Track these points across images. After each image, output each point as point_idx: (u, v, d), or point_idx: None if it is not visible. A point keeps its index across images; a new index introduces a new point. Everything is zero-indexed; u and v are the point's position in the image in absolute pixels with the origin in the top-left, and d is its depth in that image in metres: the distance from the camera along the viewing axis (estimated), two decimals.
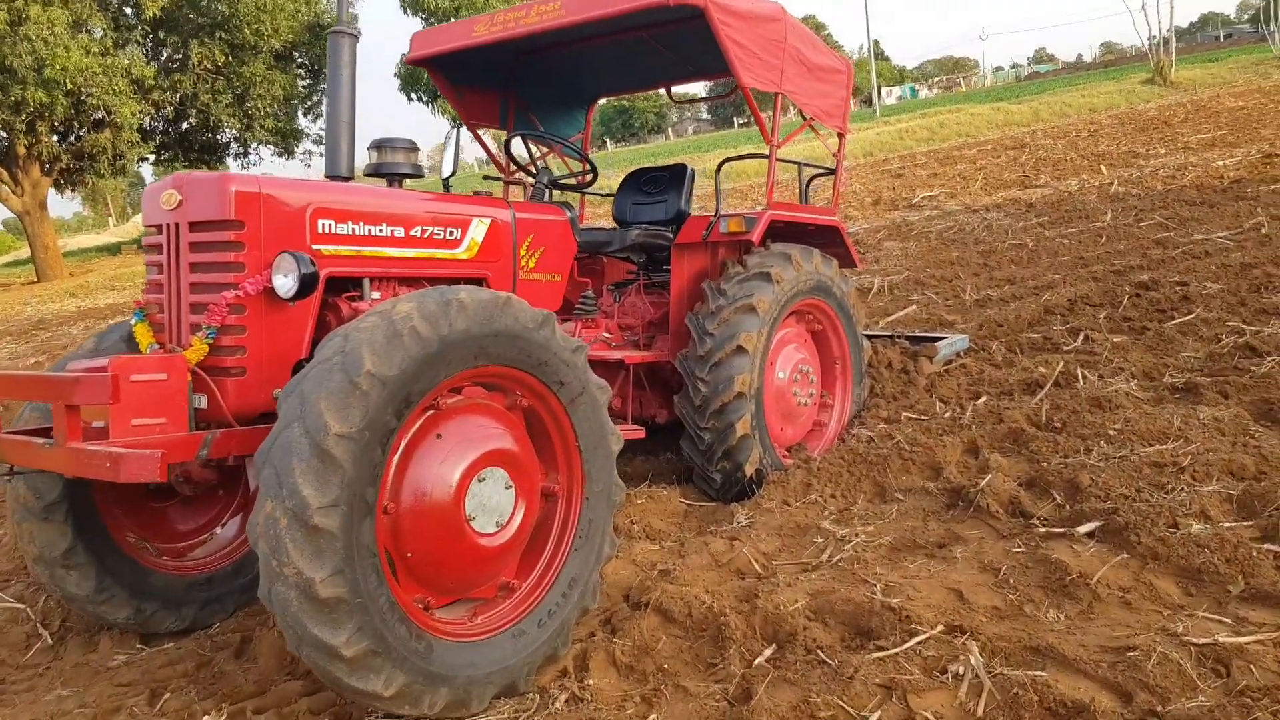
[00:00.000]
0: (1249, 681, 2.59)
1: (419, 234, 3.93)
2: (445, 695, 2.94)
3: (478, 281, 4.20)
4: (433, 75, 5.57)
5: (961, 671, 2.83)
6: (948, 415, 5.29)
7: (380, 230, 3.80)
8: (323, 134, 37.10)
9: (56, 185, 31.42)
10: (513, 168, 5.78)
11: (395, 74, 35.88)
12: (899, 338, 6.51)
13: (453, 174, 4.77)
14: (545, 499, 3.47)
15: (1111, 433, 4.54)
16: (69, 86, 25.07)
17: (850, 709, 2.75)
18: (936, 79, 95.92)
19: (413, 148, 4.30)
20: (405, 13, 35.63)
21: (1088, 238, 10.35)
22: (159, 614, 3.98)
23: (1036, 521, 3.88)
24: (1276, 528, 3.39)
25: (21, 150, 28.39)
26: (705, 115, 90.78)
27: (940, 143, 29.38)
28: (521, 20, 4.84)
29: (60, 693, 3.64)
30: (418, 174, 4.26)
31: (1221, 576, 3.20)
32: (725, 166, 5.84)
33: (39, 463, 3.14)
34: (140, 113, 28.64)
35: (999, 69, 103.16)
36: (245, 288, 3.35)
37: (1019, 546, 3.68)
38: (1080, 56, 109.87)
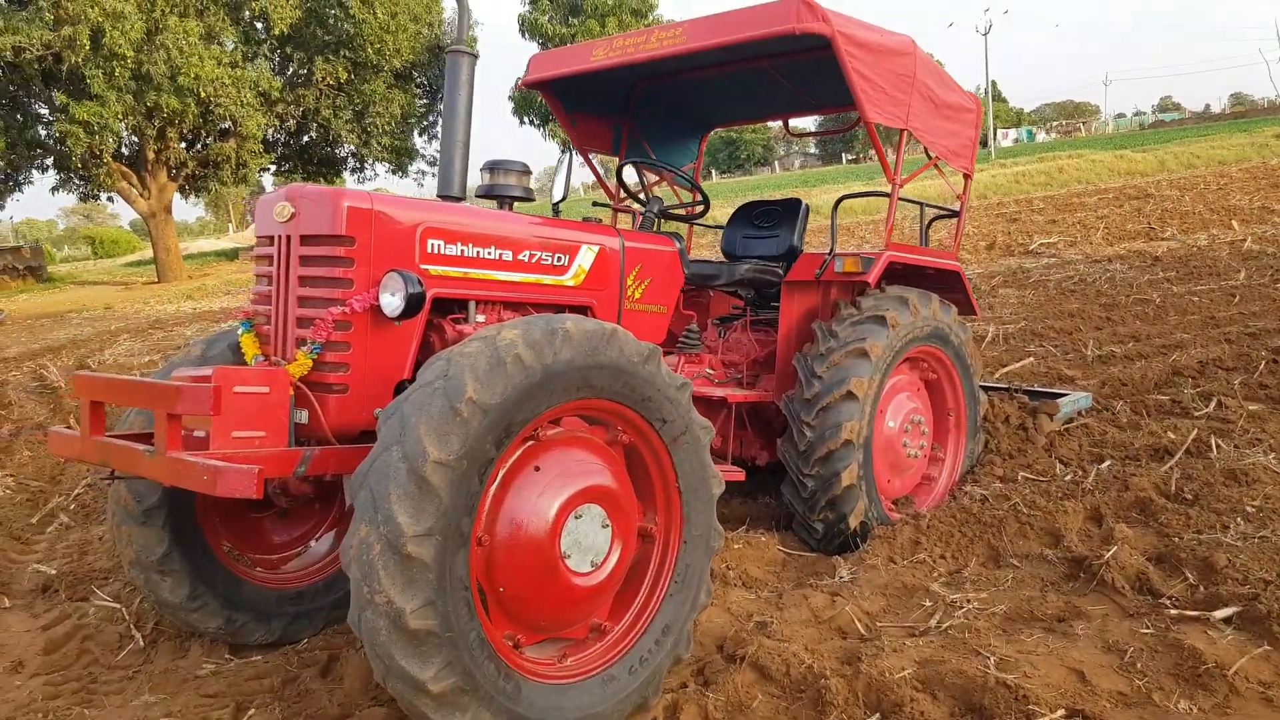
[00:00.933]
0: None
1: (527, 258, 3.88)
2: None
3: (583, 309, 4.13)
4: (547, 99, 5.57)
5: None
6: (1068, 478, 4.99)
7: (488, 253, 3.76)
8: (437, 154, 38.30)
9: (181, 190, 32.87)
10: (622, 195, 5.73)
11: (509, 97, 36.66)
12: (1017, 392, 6.20)
13: (563, 199, 4.73)
14: (642, 540, 3.36)
15: (1250, 509, 4.20)
16: (200, 95, 26.27)
17: None
18: (1055, 123, 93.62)
19: (525, 170, 4.27)
20: (523, 36, 36.47)
21: (1219, 296, 9.83)
22: (249, 625, 3.99)
23: (1166, 601, 3.59)
24: None
25: (151, 155, 29.83)
26: (813, 150, 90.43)
27: (1059, 188, 28.53)
28: (642, 46, 4.78)
29: (148, 699, 3.65)
30: (529, 197, 4.22)
31: None
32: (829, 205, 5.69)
33: (139, 470, 3.14)
34: (264, 124, 29.84)
35: (1121, 115, 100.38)
36: (352, 304, 3.33)
37: (1147, 627, 3.40)
38: (1208, 106, 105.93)
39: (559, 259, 4.00)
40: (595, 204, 5.75)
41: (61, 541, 5.63)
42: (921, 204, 5.45)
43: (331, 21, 30.16)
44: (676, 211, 5.36)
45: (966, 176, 5.65)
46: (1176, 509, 4.36)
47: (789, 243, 5.59)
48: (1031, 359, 7.92)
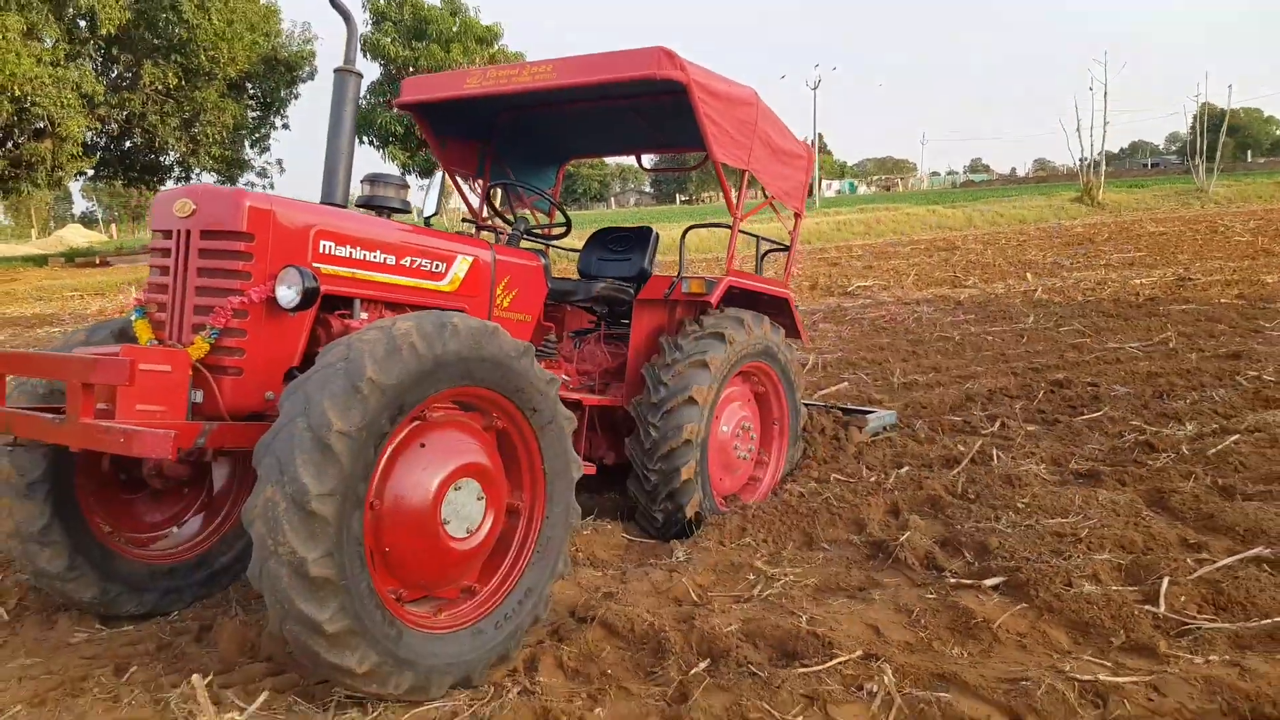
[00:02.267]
0: (1121, 713, 2.99)
1: (408, 264, 4.23)
2: (409, 679, 3.18)
3: (455, 314, 4.51)
4: (418, 120, 5.90)
5: (875, 689, 3.19)
6: (873, 479, 5.72)
7: (374, 256, 4.08)
8: (267, 166, 37.19)
9: None
10: (486, 215, 6.13)
11: None
12: (833, 408, 6.98)
13: (435, 214, 5.11)
14: (510, 515, 3.76)
15: (1019, 505, 5.01)
16: (15, 93, 24.81)
17: (776, 713, 3.08)
18: (876, 177, 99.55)
19: (404, 184, 4.63)
20: (365, 56, 36.07)
21: (1010, 336, 11.06)
22: (122, 596, 4.13)
23: (948, 574, 4.29)
24: (1156, 593, 3.84)
25: None
26: (648, 189, 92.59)
27: (876, 237, 30.63)
28: (514, 78, 5.22)
29: (24, 661, 3.76)
30: (406, 209, 4.57)
31: (1106, 630, 3.62)
32: (672, 236, 6.27)
33: (49, 436, 3.32)
34: (85, 126, 28.38)
35: (935, 174, 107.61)
36: (250, 295, 3.60)
37: (931, 594, 4.07)
38: (1014, 170, 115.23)
39: (437, 266, 4.37)
40: (464, 220, 6.14)
41: None
42: (758, 237, 6.11)
43: (163, 25, 29.07)
44: (539, 232, 5.82)
45: (797, 215, 6.38)
46: (960, 504, 5.13)
47: (640, 265, 6.13)
48: (846, 384, 8.78)
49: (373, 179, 4.53)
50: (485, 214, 6.19)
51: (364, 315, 4.08)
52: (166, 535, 4.47)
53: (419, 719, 3.19)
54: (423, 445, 3.42)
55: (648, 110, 5.95)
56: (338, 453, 2.96)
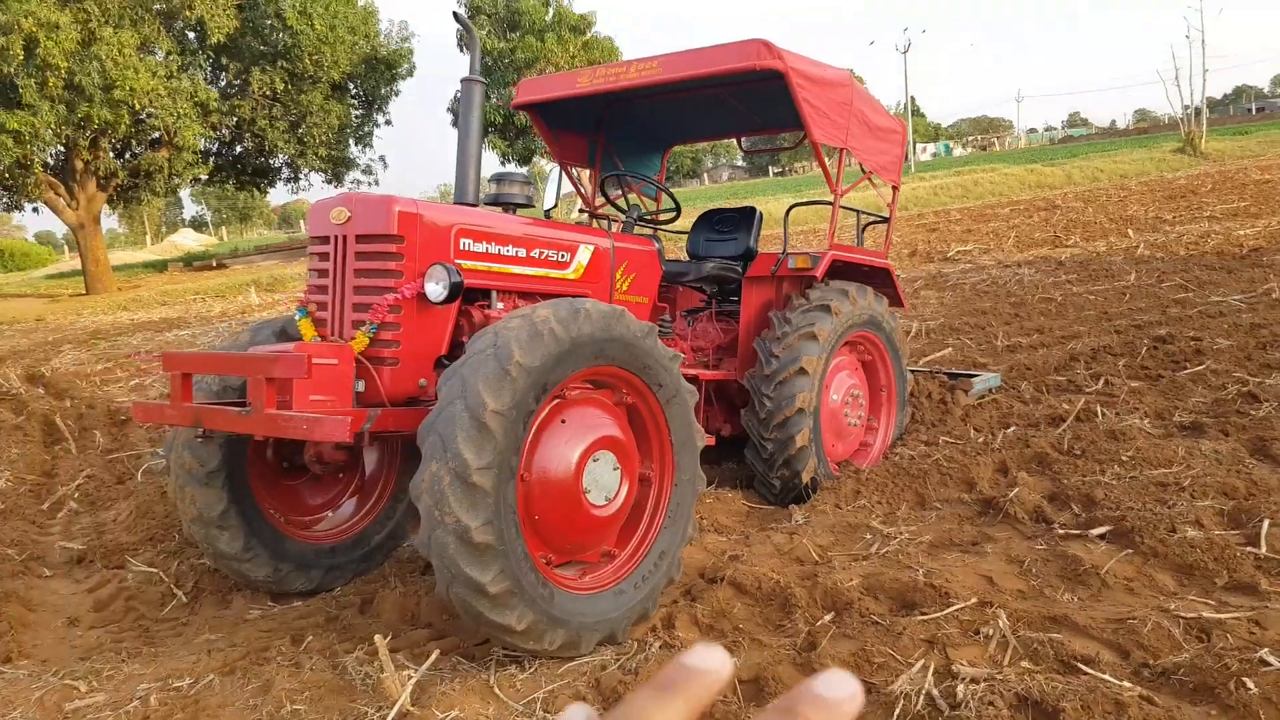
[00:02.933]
0: (1224, 645, 3.19)
1: (537, 255, 4.61)
2: (562, 636, 3.55)
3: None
4: (533, 118, 6.29)
5: (991, 633, 3.44)
6: (980, 440, 5.92)
7: (507, 250, 4.47)
8: (371, 163, 38.39)
9: (110, 201, 32.45)
10: (599, 202, 6.48)
11: (448, 109, 37.00)
12: (938, 373, 7.17)
13: (554, 206, 5.48)
14: (642, 483, 4.11)
15: (1124, 459, 5.17)
16: (135, 106, 26.18)
17: (899, 657, 3.37)
18: (971, 138, 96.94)
19: (527, 181, 4.99)
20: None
21: (1112, 295, 10.98)
22: (292, 574, 4.58)
23: (1056, 526, 4.51)
24: (1258, 535, 4.00)
25: (79, 165, 29.43)
26: (740, 163, 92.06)
27: (974, 200, 30.06)
28: (622, 76, 5.55)
29: (209, 636, 4.22)
30: (530, 204, 4.95)
31: (1209, 571, 3.81)
32: (772, 212, 6.51)
33: (237, 427, 3.78)
34: (200, 134, 29.74)
35: (1033, 130, 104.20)
36: (404, 291, 4.02)
37: (1041, 545, 4.30)
38: (1114, 122, 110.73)
39: (562, 256, 4.74)
40: (581, 210, 6.51)
41: (75, 524, 6.11)
42: (858, 211, 6.35)
43: (268, 32, 30.20)
44: (649, 218, 6.16)
45: (895, 188, 6.58)
46: (1067, 460, 5.31)
47: (746, 244, 6.41)
48: (950, 349, 8.92)
49: (499, 178, 4.88)
50: (599, 203, 6.54)
51: (500, 305, 4.45)
52: (325, 517, 4.92)
53: (573, 672, 3.54)
54: (564, 421, 3.79)
55: (746, 95, 6.22)
56: (493, 430, 3.33)
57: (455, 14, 5.01)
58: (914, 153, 57.81)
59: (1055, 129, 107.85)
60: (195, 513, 4.33)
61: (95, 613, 4.73)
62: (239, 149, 34.79)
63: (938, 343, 9.31)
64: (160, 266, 42.53)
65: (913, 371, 6.83)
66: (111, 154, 30.21)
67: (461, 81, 4.90)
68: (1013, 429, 6.09)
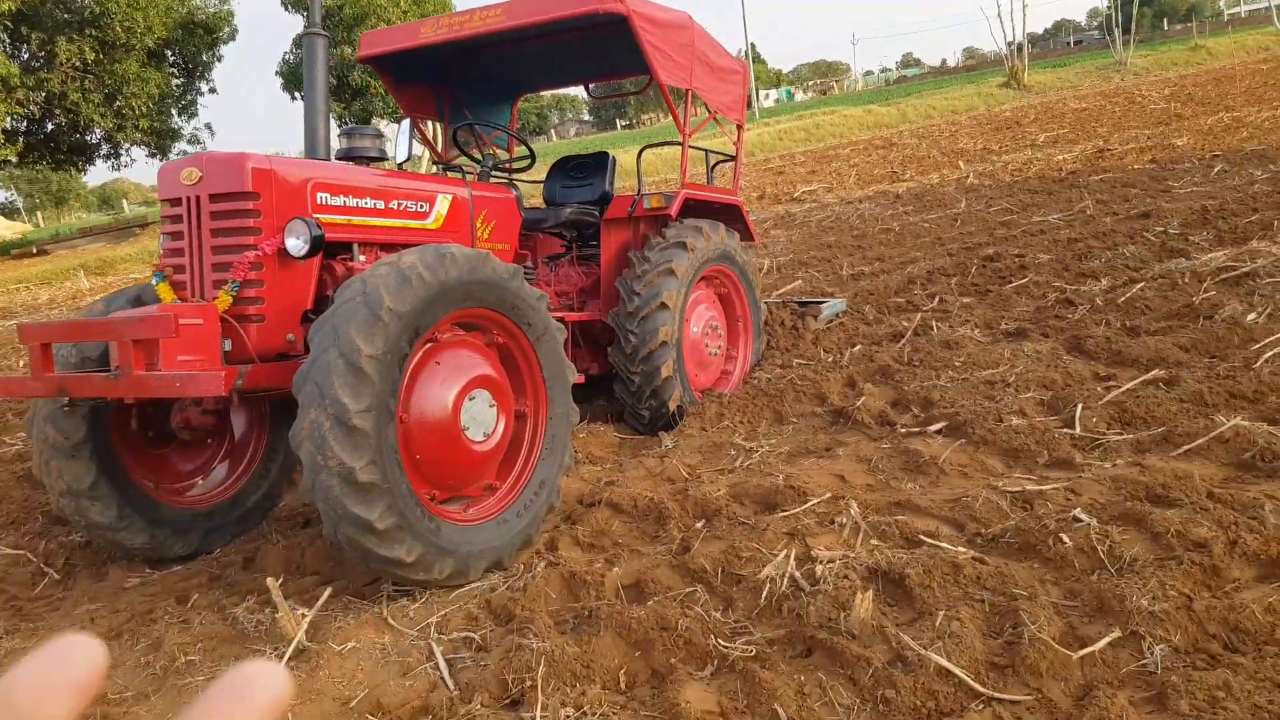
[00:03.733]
0: (1044, 511, 3.63)
1: (396, 206, 4.66)
2: (450, 565, 3.70)
3: None
4: (378, 71, 6.25)
5: (844, 521, 3.80)
6: (830, 359, 6.35)
7: (365, 203, 4.50)
8: (197, 132, 36.59)
9: None
10: (453, 154, 6.53)
11: (277, 72, 35.52)
12: (789, 303, 7.57)
13: (407, 159, 5.52)
14: (518, 419, 4.28)
15: (957, 364, 5.67)
16: None
17: (764, 550, 3.68)
18: (811, 82, 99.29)
19: (379, 134, 5.03)
20: (286, 9, 35.38)
21: (945, 222, 11.69)
22: (170, 540, 4.54)
23: (899, 427, 4.94)
24: (1073, 419, 4.51)
25: None
26: (587, 117, 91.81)
27: (816, 143, 31.07)
28: (466, 24, 5.59)
29: (88, 606, 4.17)
30: (383, 157, 4.97)
31: (1032, 452, 4.28)
32: (625, 157, 6.72)
33: (105, 392, 3.73)
34: (4, 113, 27.75)
35: (869, 73, 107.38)
36: (264, 248, 4.02)
37: (886, 445, 4.72)
38: (945, 61, 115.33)
39: (421, 206, 4.81)
40: (434, 162, 6.54)
41: None
42: (707, 150, 6.61)
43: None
44: (505, 167, 6.25)
45: (740, 127, 6.85)
46: (907, 370, 5.77)
47: (601, 189, 6.58)
48: (799, 281, 9.37)
49: (349, 132, 4.91)
50: (452, 155, 6.58)
51: (363, 258, 4.49)
52: (197, 483, 4.87)
53: (463, 596, 3.72)
54: (438, 364, 3.91)
55: (591, 42, 6.34)
56: (369, 374, 3.42)
57: None
58: (757, 99, 58.87)
59: (890, 70, 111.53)
60: (64, 485, 4.25)
61: None
62: (50, 126, 32.54)
63: (789, 276, 9.76)
64: None
65: (766, 303, 7.19)
66: None
67: (303, 36, 4.87)
68: (858, 347, 6.54)
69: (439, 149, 6.66)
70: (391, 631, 3.49)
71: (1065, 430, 4.41)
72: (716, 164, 6.72)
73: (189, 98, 35.64)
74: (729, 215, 6.49)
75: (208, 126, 37.94)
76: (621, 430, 5.81)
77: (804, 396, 5.65)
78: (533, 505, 4.18)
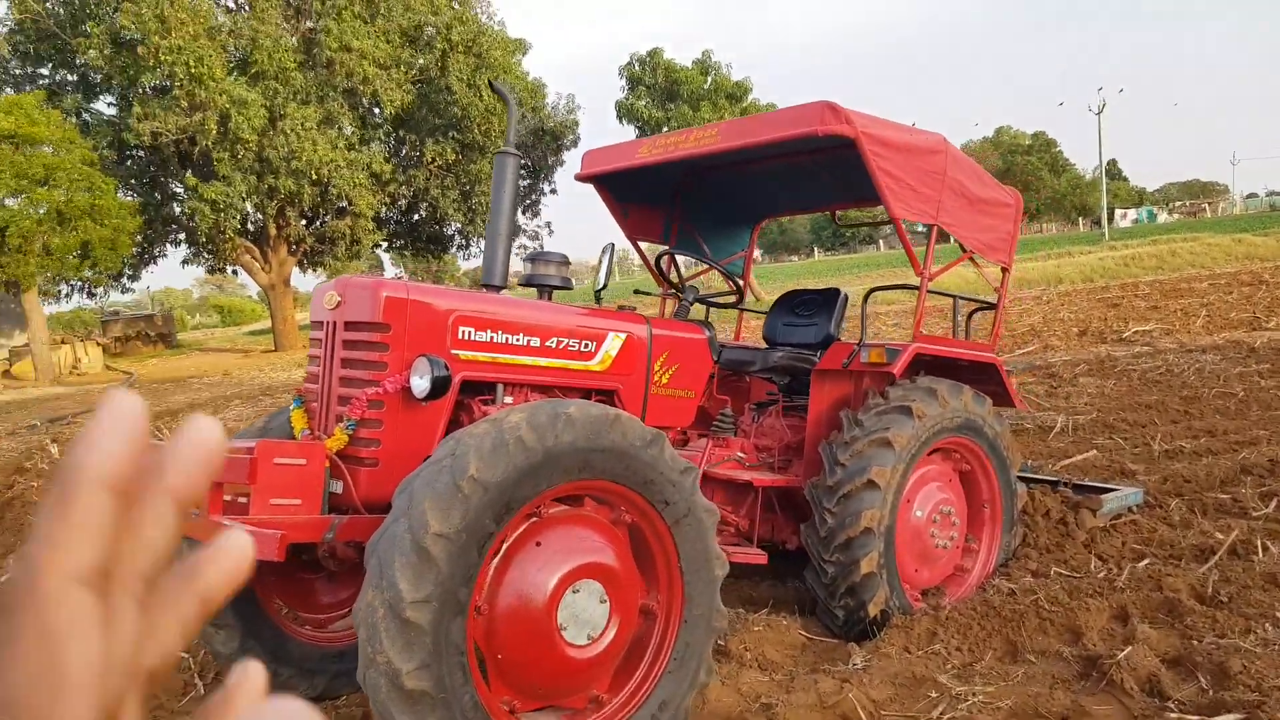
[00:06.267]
0: None
1: (554, 345, 4.12)
2: None
3: (608, 394, 4.34)
4: (600, 190, 5.87)
5: None
6: (1101, 575, 4.89)
7: (517, 339, 4.00)
8: (538, 230, 39.50)
9: (300, 264, 34.67)
10: (674, 279, 5.96)
11: None
12: (1063, 484, 6.11)
13: (604, 286, 4.99)
14: (644, 617, 3.50)
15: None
16: (315, 177, 27.90)
17: None
18: (1179, 203, 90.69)
19: (564, 261, 4.55)
20: (620, 121, 37.52)
21: None
22: (294, 679, 4.21)
23: (1172, 705, 3.53)
24: None
25: (273, 231, 31.74)
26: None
27: (1170, 272, 27.78)
28: (681, 145, 5.06)
29: None
30: (567, 286, 4.48)
31: None
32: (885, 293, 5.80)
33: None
34: (376, 204, 31.34)
35: (1252, 195, 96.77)
36: (385, 385, 3.61)
37: None
38: None
39: (586, 345, 4.23)
40: (636, 292, 6.00)
41: None
42: (955, 296, 5.50)
43: (441, 105, 31.67)
44: (716, 300, 5.57)
45: (1005, 270, 5.69)
46: (1205, 611, 4.24)
47: (826, 330, 5.70)
48: (1095, 451, 7.74)
49: (534, 257, 4.52)
50: (674, 278, 6.02)
51: (508, 400, 4.00)
52: (342, 616, 4.56)
53: None
54: (538, 544, 3.27)
55: (831, 164, 5.58)
56: (435, 556, 2.88)
57: (491, 84, 4.70)
58: (1109, 219, 54.58)
59: (1278, 194, 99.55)
60: None
61: None
62: (415, 217, 36.44)
63: (1083, 442, 8.15)
64: None
65: (1029, 482, 5.84)
66: (302, 222, 32.31)
67: (495, 155, 4.55)
68: (1146, 562, 5.03)
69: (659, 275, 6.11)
70: None
71: None
72: (974, 312, 5.59)
73: (533, 197, 38.64)
74: (982, 375, 5.32)
75: (548, 225, 40.81)
76: (810, 628, 4.75)
77: (1051, 626, 4.32)
78: None
